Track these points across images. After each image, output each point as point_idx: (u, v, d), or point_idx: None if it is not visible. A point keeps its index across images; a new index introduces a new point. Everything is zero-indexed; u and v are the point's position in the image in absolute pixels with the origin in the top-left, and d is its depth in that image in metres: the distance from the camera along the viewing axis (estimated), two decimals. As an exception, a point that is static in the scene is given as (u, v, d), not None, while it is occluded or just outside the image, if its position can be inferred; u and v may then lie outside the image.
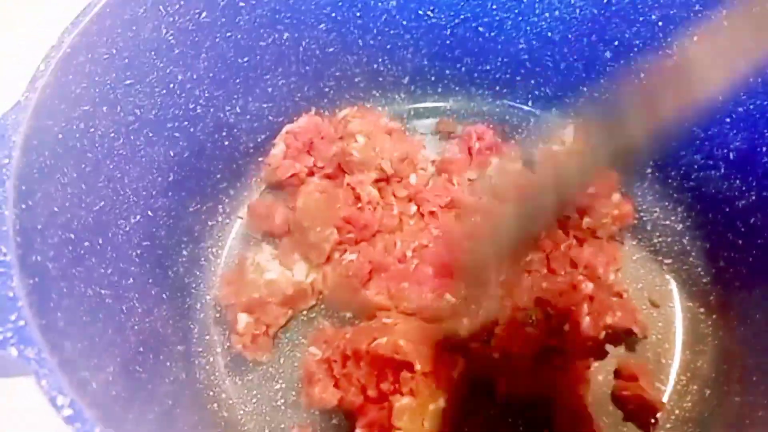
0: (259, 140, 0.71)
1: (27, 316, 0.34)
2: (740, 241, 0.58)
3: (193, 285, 0.64)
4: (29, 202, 0.41)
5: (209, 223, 0.68)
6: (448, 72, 0.75)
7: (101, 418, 0.32)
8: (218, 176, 0.68)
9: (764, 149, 0.54)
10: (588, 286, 0.56)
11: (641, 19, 0.61)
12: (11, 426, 0.55)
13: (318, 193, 0.64)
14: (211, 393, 0.58)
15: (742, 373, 0.53)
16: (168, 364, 0.53)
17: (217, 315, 0.63)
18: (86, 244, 0.46)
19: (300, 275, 0.62)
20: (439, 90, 0.76)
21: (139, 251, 0.55)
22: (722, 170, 0.60)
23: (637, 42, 0.62)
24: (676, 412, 0.55)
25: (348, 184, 0.64)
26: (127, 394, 0.40)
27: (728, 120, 0.58)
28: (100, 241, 0.49)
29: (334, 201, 0.63)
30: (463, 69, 0.74)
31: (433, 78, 0.75)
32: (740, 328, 0.56)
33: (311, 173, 0.66)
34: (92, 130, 0.50)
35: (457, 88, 0.76)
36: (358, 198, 0.63)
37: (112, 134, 0.52)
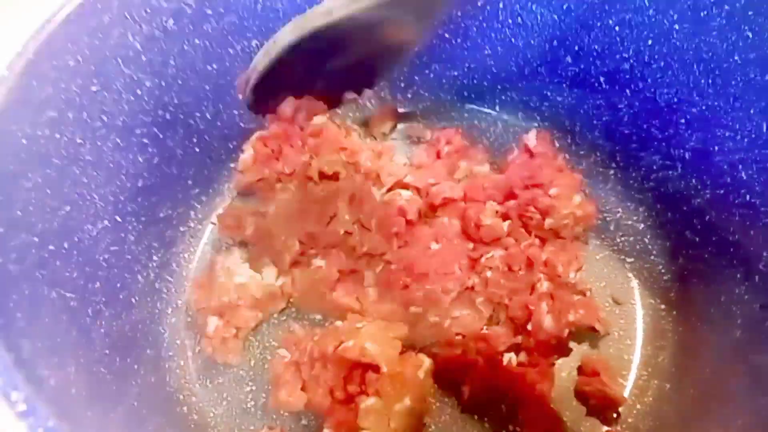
0: (230, 146, 0.72)
1: (-17, 316, 0.35)
2: (697, 239, 0.59)
3: (164, 290, 0.64)
4: (-9, 205, 0.41)
5: (181, 228, 0.68)
6: (416, 78, 0.76)
7: (58, 414, 0.32)
8: (189, 182, 0.68)
9: (716, 148, 0.56)
10: (544, 285, 0.57)
11: (599, 24, 0.62)
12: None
13: (291, 201, 0.65)
14: (181, 396, 0.58)
15: (699, 367, 0.55)
16: (135, 366, 0.53)
17: (188, 319, 0.64)
18: (50, 247, 0.47)
19: (270, 279, 0.63)
20: (409, 96, 0.78)
21: (106, 256, 0.55)
22: (679, 170, 0.61)
23: (596, 47, 0.64)
24: (638, 406, 0.57)
25: (321, 197, 0.64)
26: (89, 393, 0.41)
27: (683, 121, 0.59)
28: (66, 245, 0.49)
29: (305, 214, 0.63)
30: (432, 75, 0.75)
31: (402, 84, 0.77)
32: (698, 324, 0.57)
33: (279, 180, 0.67)
34: (58, 135, 0.50)
35: (426, 94, 0.77)
36: (330, 216, 0.63)
37: (79, 140, 0.53)
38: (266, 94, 0.50)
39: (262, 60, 0.46)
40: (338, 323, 0.58)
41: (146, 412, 0.50)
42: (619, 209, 0.68)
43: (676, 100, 0.60)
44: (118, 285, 0.56)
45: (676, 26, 0.57)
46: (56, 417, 0.32)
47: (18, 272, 0.41)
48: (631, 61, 0.62)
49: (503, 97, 0.75)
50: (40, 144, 0.48)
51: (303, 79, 0.47)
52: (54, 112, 0.50)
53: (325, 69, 0.47)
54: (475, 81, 0.75)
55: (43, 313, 0.42)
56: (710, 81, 0.56)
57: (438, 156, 0.72)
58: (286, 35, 0.43)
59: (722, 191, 0.56)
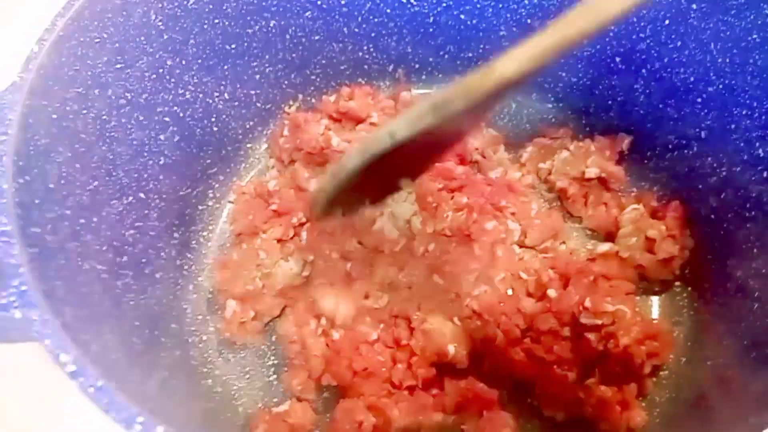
0: (247, 126, 0.73)
1: (29, 282, 0.35)
2: (712, 216, 0.60)
3: (185, 267, 0.65)
4: (26, 177, 0.42)
5: (199, 207, 0.69)
6: (431, 59, 0.76)
7: (104, 375, 0.33)
8: (208, 161, 0.69)
9: (733, 126, 0.57)
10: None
11: (616, 4, 0.63)
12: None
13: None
14: (205, 369, 0.59)
15: (714, 340, 0.56)
16: (163, 339, 0.54)
17: (209, 296, 0.65)
18: (81, 221, 0.48)
19: (296, 268, 0.63)
20: (423, 77, 0.78)
21: (132, 231, 0.56)
22: (695, 149, 0.62)
23: (612, 27, 0.65)
24: (654, 379, 0.58)
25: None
26: (127, 360, 0.42)
27: (699, 100, 0.60)
28: (95, 220, 0.50)
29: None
30: (446, 56, 0.76)
31: (417, 65, 0.77)
32: (713, 298, 0.58)
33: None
34: (85, 111, 0.51)
35: (440, 75, 0.78)
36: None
37: (104, 116, 0.53)
38: (329, 208, 0.53)
39: (329, 183, 0.49)
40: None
41: (175, 382, 0.51)
42: (634, 189, 0.68)
43: (692, 79, 0.60)
44: (143, 260, 0.57)
45: (694, 5, 0.57)
46: (104, 378, 0.33)
47: (54, 243, 0.42)
48: (648, 41, 0.63)
49: (518, 78, 0.75)
50: (69, 119, 0.49)
51: (362, 185, 0.50)
52: (81, 88, 0.51)
53: (382, 173, 0.50)
54: (489, 62, 0.75)
55: (79, 283, 0.43)
56: (727, 60, 0.57)
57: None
58: (353, 160, 0.45)
59: (738, 168, 0.56)
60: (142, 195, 0.58)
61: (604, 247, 0.63)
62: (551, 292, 0.58)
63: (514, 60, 0.36)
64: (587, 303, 0.56)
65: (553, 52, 0.36)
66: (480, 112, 0.48)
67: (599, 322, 0.56)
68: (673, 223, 0.61)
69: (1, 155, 0.41)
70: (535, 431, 0.56)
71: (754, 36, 0.53)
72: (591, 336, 0.56)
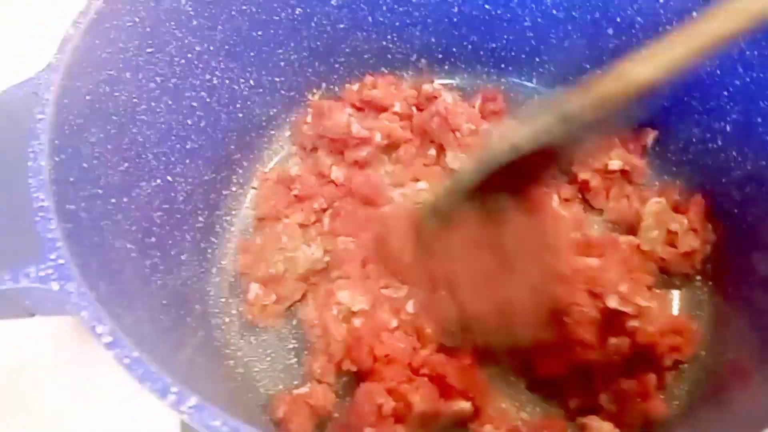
0: (271, 113, 0.73)
1: (66, 256, 0.36)
2: (735, 210, 0.60)
3: (209, 251, 0.66)
4: (62, 156, 0.43)
5: (223, 192, 0.70)
6: (454, 50, 0.77)
7: (138, 347, 0.34)
8: (232, 147, 0.70)
9: (759, 120, 0.57)
10: None
11: (643, -5, 0.63)
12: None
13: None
14: (228, 351, 0.60)
15: (734, 334, 0.56)
16: (188, 320, 0.55)
17: (232, 280, 0.66)
18: (113, 200, 0.49)
19: (318, 253, 0.64)
20: (446, 67, 0.78)
21: (159, 213, 0.57)
22: (719, 142, 0.62)
23: (639, 19, 0.65)
24: (673, 372, 0.58)
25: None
26: (156, 336, 0.43)
27: (725, 93, 0.60)
28: (125, 200, 0.51)
29: None
30: (470, 47, 0.76)
31: (440, 56, 0.77)
32: (734, 293, 0.58)
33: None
34: (117, 94, 0.52)
35: (463, 66, 0.78)
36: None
37: (135, 99, 0.54)
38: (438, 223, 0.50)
39: (443, 197, 0.47)
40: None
41: (200, 361, 0.52)
42: (656, 182, 0.68)
43: (719, 72, 0.60)
44: (170, 242, 0.58)
45: (721, -4, 0.57)
46: (137, 350, 0.33)
47: (88, 221, 0.43)
48: (674, 33, 0.62)
49: (541, 70, 0.75)
50: (102, 101, 0.50)
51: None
52: (113, 71, 0.51)
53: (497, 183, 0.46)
54: (513, 53, 0.76)
55: (111, 260, 0.44)
56: (755, 53, 0.56)
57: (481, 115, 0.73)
58: (470, 174, 0.42)
59: (764, 162, 0.56)
60: (169, 178, 0.59)
61: (626, 239, 0.63)
62: (592, 261, 0.58)
63: (649, 64, 0.34)
64: (622, 288, 0.56)
65: (696, 55, 0.33)
66: (604, 126, 0.43)
67: (626, 309, 0.56)
68: (695, 217, 0.61)
69: (39, 133, 0.42)
70: (551, 419, 0.56)
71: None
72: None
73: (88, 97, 0.48)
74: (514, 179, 0.45)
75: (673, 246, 0.61)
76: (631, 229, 0.65)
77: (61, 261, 0.36)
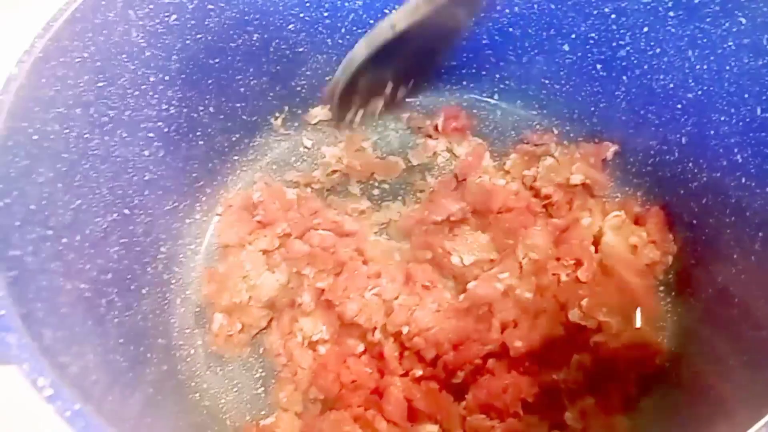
0: (233, 139, 0.73)
1: (7, 306, 0.36)
2: (694, 221, 0.61)
3: (173, 281, 0.65)
4: (6, 200, 0.42)
5: (187, 221, 0.69)
6: (416, 68, 0.77)
7: (81, 398, 0.33)
8: (194, 175, 0.69)
9: (712, 132, 0.57)
10: None
11: (595, 12, 0.63)
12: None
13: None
14: (193, 384, 0.60)
15: (697, 346, 0.56)
16: (149, 355, 0.55)
17: (197, 310, 0.65)
18: (64, 240, 0.48)
19: (282, 279, 0.64)
20: (408, 86, 0.78)
21: (117, 248, 0.56)
22: (676, 154, 0.63)
23: (593, 34, 0.65)
24: (638, 386, 0.58)
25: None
26: (108, 379, 0.42)
27: (679, 106, 0.61)
28: (78, 238, 0.50)
29: None
30: (431, 65, 0.76)
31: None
32: (696, 304, 0.59)
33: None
34: (67, 131, 0.51)
35: (425, 84, 0.78)
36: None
37: (87, 135, 0.53)
38: (344, 104, 0.61)
39: (342, 75, 0.57)
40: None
41: (161, 398, 0.51)
42: (618, 194, 0.69)
43: (671, 86, 0.61)
44: (129, 276, 0.57)
45: (671, 13, 0.58)
46: (81, 401, 0.33)
47: (35, 265, 0.42)
48: (627, 48, 0.63)
49: (501, 86, 0.76)
50: (50, 139, 0.49)
51: (371, 84, 0.58)
52: (62, 108, 0.51)
53: (388, 71, 0.55)
54: (473, 70, 0.76)
55: (60, 304, 0.43)
56: (705, 67, 0.57)
57: (435, 128, 0.74)
58: (361, 51, 0.53)
59: (718, 174, 0.57)
60: (126, 211, 0.58)
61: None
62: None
63: None
64: (584, 302, 0.56)
65: None
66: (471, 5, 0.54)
67: (587, 324, 0.56)
68: (654, 228, 0.62)
69: (-20, 179, 0.41)
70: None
71: (730, 43, 0.54)
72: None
73: (35, 137, 0.48)
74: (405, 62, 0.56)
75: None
76: (595, 241, 0.65)
77: (1, 312, 0.35)
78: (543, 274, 0.61)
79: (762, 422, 0.32)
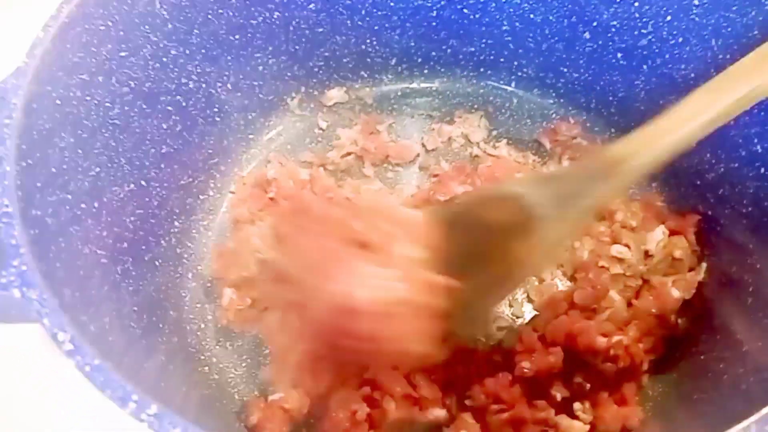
0: (249, 118, 0.73)
1: (29, 262, 0.36)
2: (710, 212, 0.60)
3: (185, 256, 0.66)
4: (29, 161, 0.42)
5: (200, 197, 0.69)
6: (434, 53, 0.77)
7: (101, 355, 0.33)
8: (210, 151, 0.69)
9: (732, 123, 0.56)
10: None
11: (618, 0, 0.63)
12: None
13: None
14: (202, 357, 0.60)
15: (708, 334, 0.56)
16: (161, 326, 0.55)
17: (208, 285, 0.65)
18: (83, 206, 0.48)
19: None
20: (425, 71, 0.78)
21: (132, 218, 0.56)
22: (694, 145, 0.62)
23: (615, 23, 0.65)
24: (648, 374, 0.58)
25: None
26: (124, 343, 0.42)
27: (699, 96, 0.60)
28: (96, 205, 0.50)
29: None
30: (449, 51, 0.76)
31: (419, 60, 0.77)
32: (708, 294, 0.59)
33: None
34: (89, 98, 0.51)
35: (442, 70, 0.78)
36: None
37: (108, 104, 0.54)
38: None
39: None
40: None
41: (173, 368, 0.52)
42: (633, 185, 0.69)
43: (693, 75, 0.61)
44: (143, 247, 0.57)
45: (696, 1, 0.57)
46: (100, 357, 0.33)
47: (55, 226, 0.43)
48: (650, 37, 0.63)
49: (519, 74, 0.76)
50: (73, 105, 0.49)
51: None
52: (85, 75, 0.51)
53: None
54: (491, 57, 0.76)
55: (78, 266, 0.44)
56: (728, 56, 0.57)
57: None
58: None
59: (736, 164, 0.57)
60: (143, 183, 0.59)
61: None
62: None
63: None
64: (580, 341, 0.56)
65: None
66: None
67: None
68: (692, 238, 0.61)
69: (5, 139, 0.41)
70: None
71: (755, 32, 0.53)
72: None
73: (58, 102, 0.48)
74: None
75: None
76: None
77: (23, 267, 0.36)
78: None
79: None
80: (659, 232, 0.61)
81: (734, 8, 0.54)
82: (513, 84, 0.77)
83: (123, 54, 0.55)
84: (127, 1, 0.54)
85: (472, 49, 0.75)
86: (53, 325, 0.33)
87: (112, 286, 0.49)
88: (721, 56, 0.57)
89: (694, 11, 0.58)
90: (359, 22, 0.72)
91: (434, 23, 0.73)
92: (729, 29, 0.55)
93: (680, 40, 0.60)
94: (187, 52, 0.62)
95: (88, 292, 0.43)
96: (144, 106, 0.58)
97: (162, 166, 0.62)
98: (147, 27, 0.57)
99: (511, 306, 0.62)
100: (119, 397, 0.31)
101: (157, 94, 0.60)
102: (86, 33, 0.51)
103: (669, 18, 0.60)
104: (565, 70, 0.72)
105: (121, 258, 0.52)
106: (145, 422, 0.31)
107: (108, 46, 0.53)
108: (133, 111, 0.57)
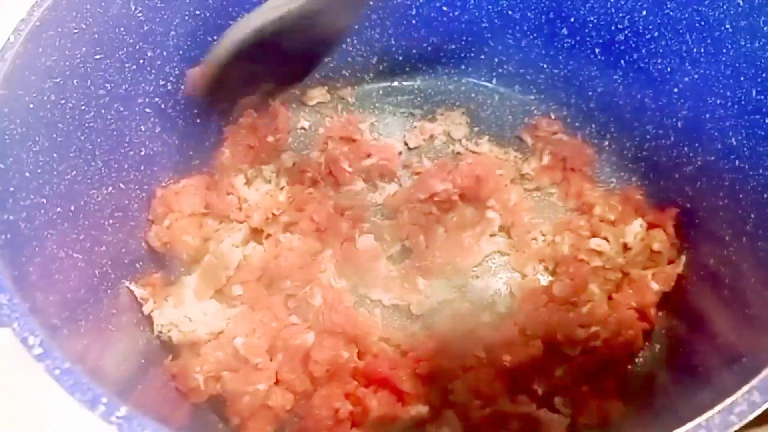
0: (230, 118, 0.73)
1: (-1, 267, 0.36)
2: (688, 205, 0.61)
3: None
4: (1, 165, 0.42)
5: (182, 198, 0.69)
6: (414, 52, 0.77)
7: (71, 359, 0.33)
8: (190, 153, 0.69)
9: (708, 116, 0.57)
10: None
11: (594, -5, 0.63)
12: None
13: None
14: (185, 359, 0.60)
15: (687, 327, 0.56)
16: (141, 328, 0.55)
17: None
18: (58, 209, 0.48)
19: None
20: (407, 70, 0.78)
21: (111, 221, 0.56)
22: (672, 139, 0.63)
23: (592, 18, 0.65)
24: (628, 367, 0.58)
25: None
26: (100, 347, 0.42)
27: (675, 90, 0.61)
28: (72, 209, 0.50)
29: None
30: (429, 48, 0.76)
31: (400, 58, 0.77)
32: (686, 286, 0.59)
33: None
34: (63, 101, 0.51)
35: (423, 68, 0.78)
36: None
37: (83, 107, 0.53)
38: (216, 91, 0.56)
39: (217, 55, 0.52)
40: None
41: (153, 369, 0.52)
42: (613, 179, 0.69)
43: (669, 69, 0.61)
44: (123, 250, 0.57)
45: (670, -4, 0.58)
46: (71, 361, 0.33)
47: (29, 230, 0.42)
48: (626, 32, 0.63)
49: (500, 70, 0.76)
50: (46, 109, 0.49)
51: (246, 75, 0.54)
52: (59, 78, 0.51)
53: (267, 64, 0.54)
54: (472, 54, 0.76)
55: (53, 270, 0.43)
56: (702, 50, 0.57)
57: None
58: (238, 32, 0.50)
59: (713, 158, 0.57)
60: (122, 185, 0.59)
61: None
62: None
63: None
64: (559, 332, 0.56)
65: None
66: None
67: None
68: (671, 231, 0.62)
69: (-25, 143, 0.41)
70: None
71: (727, 26, 0.54)
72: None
73: (31, 106, 0.48)
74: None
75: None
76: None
77: (-7, 272, 0.36)
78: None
79: (744, 389, 0.32)
80: (637, 225, 0.61)
81: (706, 2, 0.54)
82: (494, 80, 0.77)
83: (98, 57, 0.55)
84: (101, 3, 0.54)
85: (453, 46, 0.76)
86: (23, 330, 0.33)
87: (89, 289, 0.48)
88: (695, 49, 0.57)
89: (669, 6, 0.58)
90: (339, 21, 0.72)
91: (414, 21, 0.74)
92: (702, 23, 0.56)
93: (656, 34, 0.61)
94: (165, 53, 0.62)
95: (63, 295, 0.43)
96: (121, 109, 0.58)
97: (142, 168, 0.62)
98: (122, 29, 0.57)
99: (494, 301, 0.63)
100: (88, 400, 0.31)
101: (134, 96, 0.60)
102: (59, 36, 0.51)
103: (644, 13, 0.61)
104: (545, 66, 0.72)
105: (99, 261, 0.52)
106: (115, 425, 0.30)
107: (82, 49, 0.53)
108: (109, 114, 0.57)
